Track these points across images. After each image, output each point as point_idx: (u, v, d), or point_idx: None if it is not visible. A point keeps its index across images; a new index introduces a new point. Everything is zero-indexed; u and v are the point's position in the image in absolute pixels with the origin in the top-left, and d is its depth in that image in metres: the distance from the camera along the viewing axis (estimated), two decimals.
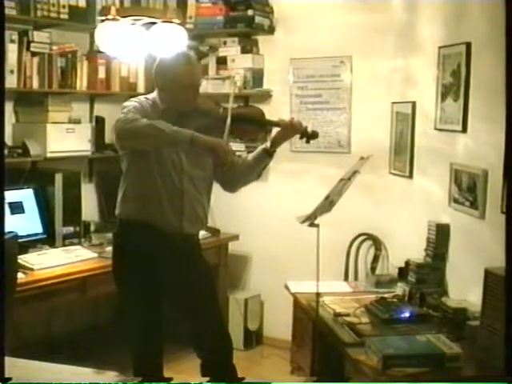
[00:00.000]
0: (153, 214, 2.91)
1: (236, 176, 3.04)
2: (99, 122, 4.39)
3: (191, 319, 3.06)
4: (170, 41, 3.77)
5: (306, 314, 3.39)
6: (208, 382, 3.02)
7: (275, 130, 3.08)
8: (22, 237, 3.35)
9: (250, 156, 3.09)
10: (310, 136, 3.01)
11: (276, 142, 3.00)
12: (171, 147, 2.86)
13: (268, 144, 3.01)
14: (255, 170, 3.07)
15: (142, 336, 3.02)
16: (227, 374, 3.03)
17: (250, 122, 3.01)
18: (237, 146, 3.95)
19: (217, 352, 3.05)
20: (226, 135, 2.87)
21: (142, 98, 2.97)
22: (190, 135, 2.72)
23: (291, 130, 2.99)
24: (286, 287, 3.68)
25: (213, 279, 3.19)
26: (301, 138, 3.02)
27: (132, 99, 2.95)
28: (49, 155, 3.92)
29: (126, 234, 2.99)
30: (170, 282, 2.99)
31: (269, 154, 3.00)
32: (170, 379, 2.99)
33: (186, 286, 3.00)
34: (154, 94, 2.99)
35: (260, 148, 3.04)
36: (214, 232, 4.43)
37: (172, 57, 2.99)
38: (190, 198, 2.95)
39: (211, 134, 2.92)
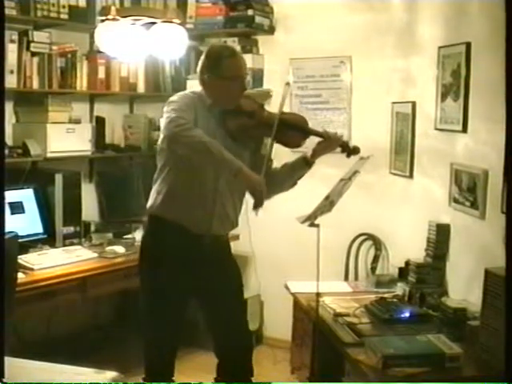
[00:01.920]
0: (182, 213, 2.87)
1: (273, 184, 2.97)
2: (99, 122, 4.39)
3: (217, 319, 3.04)
4: (170, 41, 3.78)
5: (306, 314, 3.39)
6: (217, 382, 3.03)
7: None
8: (22, 237, 3.34)
9: (288, 165, 3.07)
10: (350, 151, 3.02)
11: (317, 153, 3.00)
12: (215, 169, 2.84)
13: (308, 154, 3.01)
14: (292, 178, 3.07)
15: (162, 336, 2.97)
16: (245, 374, 3.02)
17: (295, 129, 3.00)
18: None
19: (239, 353, 3.03)
20: (271, 139, 2.86)
21: (188, 92, 2.97)
22: (237, 168, 2.69)
23: (333, 142, 3.00)
24: (286, 287, 3.69)
25: (241, 281, 3.14)
26: (342, 151, 3.03)
27: (179, 93, 2.93)
28: (49, 155, 3.92)
29: (154, 233, 2.97)
30: (197, 282, 2.96)
31: (308, 163, 3.01)
32: (172, 381, 3.00)
33: (213, 286, 2.97)
34: (199, 90, 2.96)
35: (300, 157, 3.04)
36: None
37: (217, 50, 2.98)
38: (223, 199, 2.92)
39: (252, 135, 2.92)
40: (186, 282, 2.93)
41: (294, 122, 3.02)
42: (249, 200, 2.86)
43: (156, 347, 3.00)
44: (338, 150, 3.04)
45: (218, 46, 3.13)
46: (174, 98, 2.87)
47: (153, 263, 2.95)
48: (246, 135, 2.93)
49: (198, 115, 2.83)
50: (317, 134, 3.04)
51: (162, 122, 2.81)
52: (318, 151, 3.00)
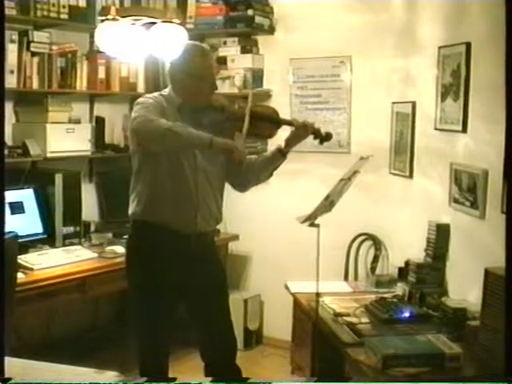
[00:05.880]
0: (166, 214, 2.87)
1: (248, 176, 3.02)
2: (99, 122, 4.38)
3: (202, 320, 3.03)
4: (169, 41, 3.77)
5: (306, 314, 3.39)
6: (211, 381, 3.02)
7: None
8: (22, 237, 3.35)
9: (263, 156, 3.09)
10: (323, 138, 3.01)
11: (290, 143, 2.98)
12: (189, 150, 2.86)
13: (282, 144, 3.00)
14: (268, 170, 3.06)
15: (154, 337, 2.97)
16: (233, 376, 3.01)
17: (265, 120, 3.00)
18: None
19: (223, 354, 3.03)
20: (244, 133, 2.85)
21: (156, 94, 2.96)
22: (209, 139, 2.72)
23: (304, 130, 2.97)
24: (286, 287, 3.68)
25: (225, 280, 3.15)
26: (314, 138, 3.01)
27: (146, 95, 2.94)
28: (49, 155, 3.91)
29: (139, 235, 2.96)
30: (184, 282, 2.95)
31: (283, 154, 2.99)
32: (174, 379, 2.99)
33: (199, 286, 2.97)
34: (168, 90, 2.97)
35: (274, 148, 3.03)
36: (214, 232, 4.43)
37: (186, 49, 2.98)
38: (204, 195, 2.91)
39: (225, 130, 2.92)
40: (174, 282, 2.92)
41: (264, 113, 3.03)
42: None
43: (148, 349, 2.99)
44: (311, 137, 3.01)
45: (190, 44, 3.11)
46: (141, 99, 2.88)
47: (140, 265, 2.95)
48: (218, 130, 2.91)
49: (167, 116, 2.83)
50: (287, 123, 3.06)
51: (129, 123, 2.85)
52: (291, 140, 2.99)
